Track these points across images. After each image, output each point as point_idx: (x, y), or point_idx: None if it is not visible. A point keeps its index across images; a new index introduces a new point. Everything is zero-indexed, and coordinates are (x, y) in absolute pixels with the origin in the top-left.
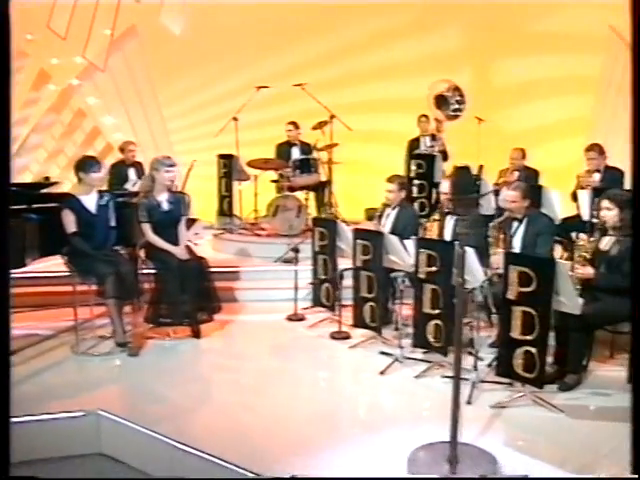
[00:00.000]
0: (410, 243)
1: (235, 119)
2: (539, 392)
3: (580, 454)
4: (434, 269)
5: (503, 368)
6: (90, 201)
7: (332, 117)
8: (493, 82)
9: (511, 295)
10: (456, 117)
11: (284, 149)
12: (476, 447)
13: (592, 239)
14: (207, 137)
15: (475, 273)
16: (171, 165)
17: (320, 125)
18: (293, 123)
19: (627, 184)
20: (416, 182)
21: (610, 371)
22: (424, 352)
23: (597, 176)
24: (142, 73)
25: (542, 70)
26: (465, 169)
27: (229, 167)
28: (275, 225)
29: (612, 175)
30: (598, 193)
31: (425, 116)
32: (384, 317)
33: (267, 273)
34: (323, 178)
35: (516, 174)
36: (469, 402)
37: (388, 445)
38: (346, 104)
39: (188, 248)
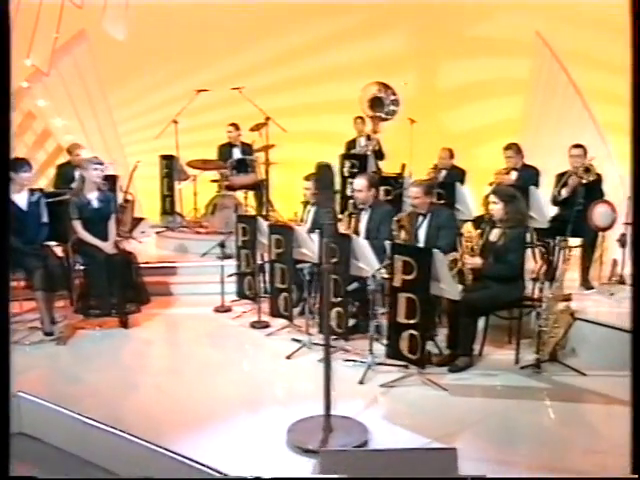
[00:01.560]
0: (315, 237)
1: (175, 122)
2: (430, 373)
3: (448, 425)
4: (335, 260)
5: (392, 350)
6: (21, 199)
7: (267, 119)
8: (435, 84)
9: (396, 283)
10: (387, 119)
11: (225, 150)
12: (351, 419)
13: (478, 231)
14: (152, 139)
15: (369, 261)
16: (98, 164)
17: (257, 127)
18: (234, 125)
19: (543, 182)
20: (350, 180)
21: (503, 355)
22: (334, 339)
23: (514, 174)
24: (92, 76)
25: (480, 73)
26: (326, 166)
27: (170, 167)
28: (214, 223)
29: (527, 173)
30: None
31: (360, 117)
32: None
33: (203, 268)
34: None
35: (443, 173)
36: (361, 382)
37: (285, 418)
38: (290, 106)
39: (116, 243)
